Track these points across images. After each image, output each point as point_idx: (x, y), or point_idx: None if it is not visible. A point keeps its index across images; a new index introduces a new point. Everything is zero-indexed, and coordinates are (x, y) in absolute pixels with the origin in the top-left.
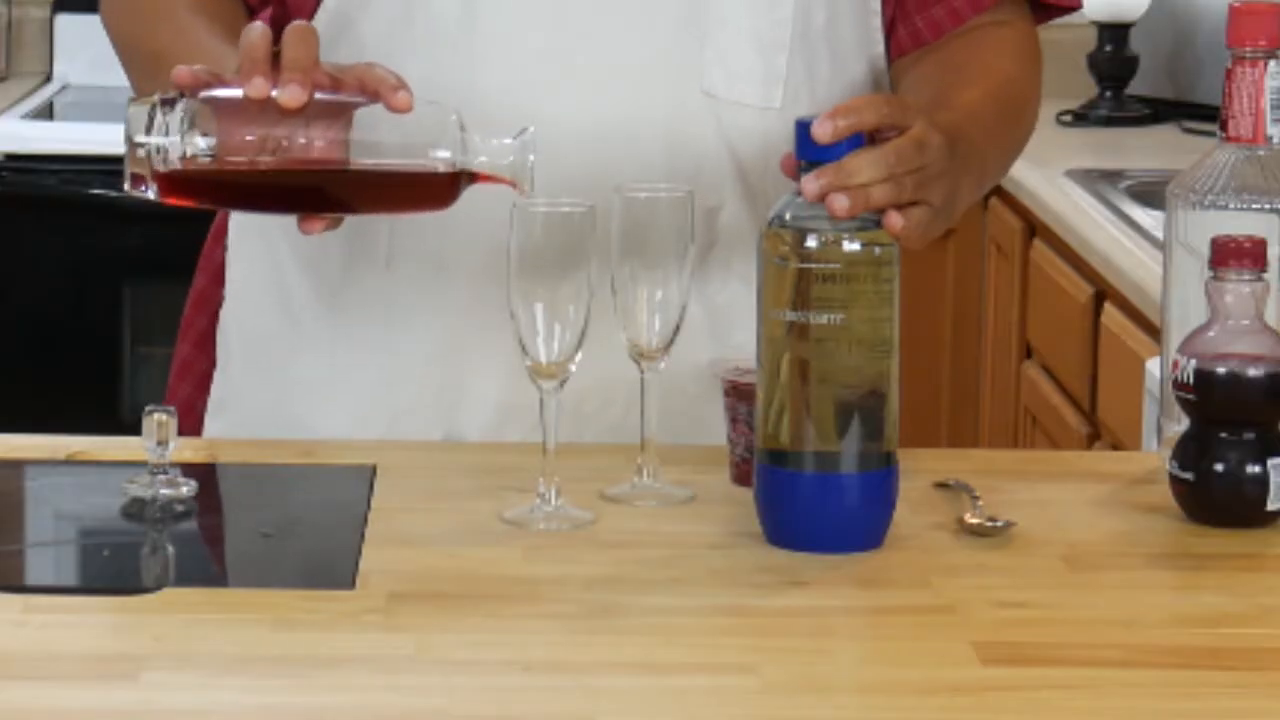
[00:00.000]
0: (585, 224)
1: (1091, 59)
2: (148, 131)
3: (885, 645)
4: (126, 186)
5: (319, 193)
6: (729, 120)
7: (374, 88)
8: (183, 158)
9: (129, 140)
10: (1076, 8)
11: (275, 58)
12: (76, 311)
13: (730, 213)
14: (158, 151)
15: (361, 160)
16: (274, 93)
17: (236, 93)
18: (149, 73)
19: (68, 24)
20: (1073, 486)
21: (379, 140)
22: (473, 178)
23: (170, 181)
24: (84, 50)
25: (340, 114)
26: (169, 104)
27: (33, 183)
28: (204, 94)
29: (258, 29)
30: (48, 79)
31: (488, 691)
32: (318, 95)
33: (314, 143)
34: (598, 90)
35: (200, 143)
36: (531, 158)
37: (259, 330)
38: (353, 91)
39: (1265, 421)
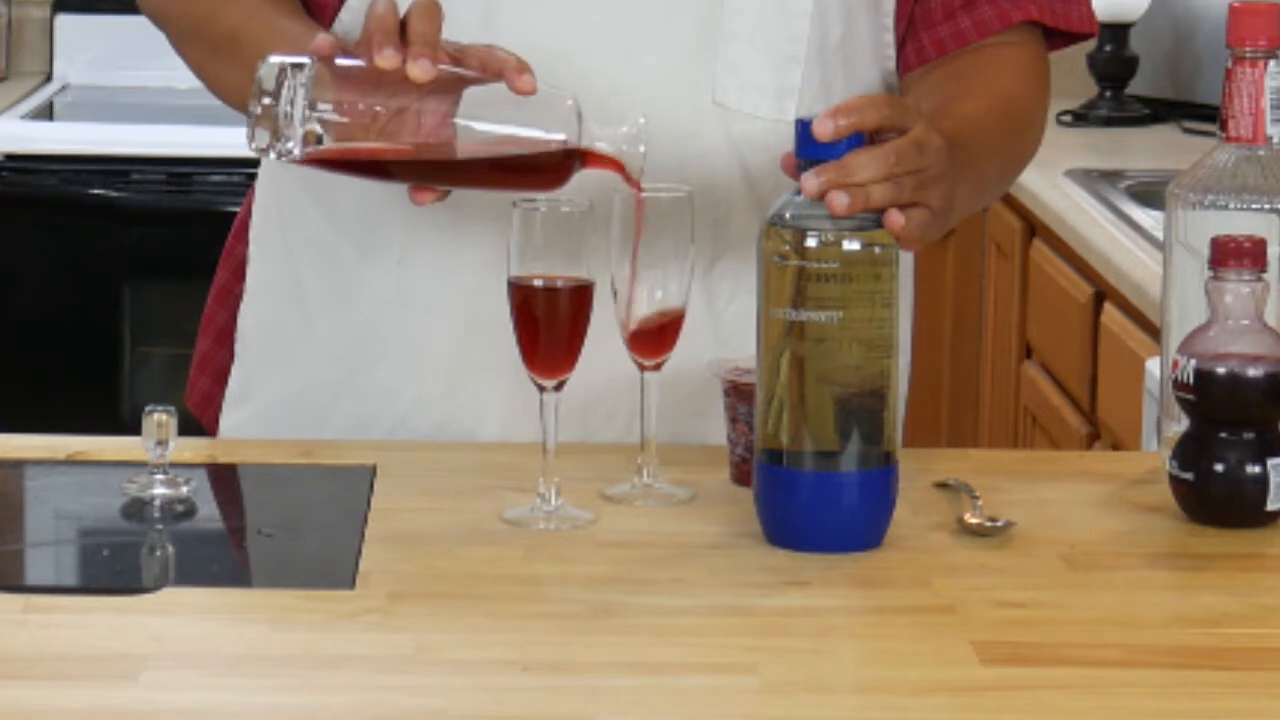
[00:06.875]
0: (585, 224)
1: (1091, 59)
2: (275, 93)
3: (885, 645)
4: (251, 142)
5: (437, 166)
6: (740, 131)
7: (497, 68)
8: (304, 121)
9: (257, 97)
10: (1092, 34)
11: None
12: (76, 311)
13: (740, 223)
14: (285, 115)
15: (474, 137)
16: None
17: (362, 62)
18: (222, 52)
19: (68, 24)
20: (1073, 486)
21: (495, 118)
22: (584, 162)
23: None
24: (84, 50)
25: (455, 90)
26: (298, 68)
27: (33, 183)
28: (338, 61)
29: (384, 1)
30: (48, 79)
31: (487, 691)
32: (440, 68)
33: (427, 116)
34: (612, 96)
35: (321, 108)
36: (643, 148)
37: (274, 326)
38: (474, 70)
39: (1265, 421)
